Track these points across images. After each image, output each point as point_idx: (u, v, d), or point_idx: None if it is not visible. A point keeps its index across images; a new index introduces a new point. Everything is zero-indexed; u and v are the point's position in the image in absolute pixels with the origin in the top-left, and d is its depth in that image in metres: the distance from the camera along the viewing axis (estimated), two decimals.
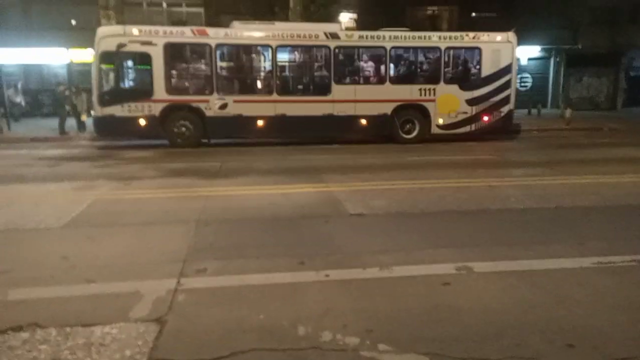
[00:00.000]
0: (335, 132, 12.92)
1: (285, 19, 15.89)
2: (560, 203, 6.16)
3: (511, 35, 13.11)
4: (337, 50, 12.52)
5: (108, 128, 11.93)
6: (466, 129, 13.17)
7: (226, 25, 12.98)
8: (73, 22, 20.39)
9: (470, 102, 13.06)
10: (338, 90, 12.54)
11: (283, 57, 12.83)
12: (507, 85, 13.12)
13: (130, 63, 12.21)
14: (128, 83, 12.38)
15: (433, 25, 22.56)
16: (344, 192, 6.85)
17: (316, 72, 13.03)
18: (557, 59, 24.76)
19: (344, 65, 13.01)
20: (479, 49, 13.00)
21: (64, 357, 2.61)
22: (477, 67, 13.13)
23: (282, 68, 12.90)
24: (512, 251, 4.33)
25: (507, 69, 13.06)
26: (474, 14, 24.19)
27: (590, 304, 3.29)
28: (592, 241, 4.62)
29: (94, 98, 11.84)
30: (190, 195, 6.72)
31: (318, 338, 2.82)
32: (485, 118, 13.17)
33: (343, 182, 7.61)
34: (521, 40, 23.54)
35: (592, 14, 23.44)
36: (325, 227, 5.17)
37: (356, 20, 22.82)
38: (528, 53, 24.50)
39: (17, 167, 9.12)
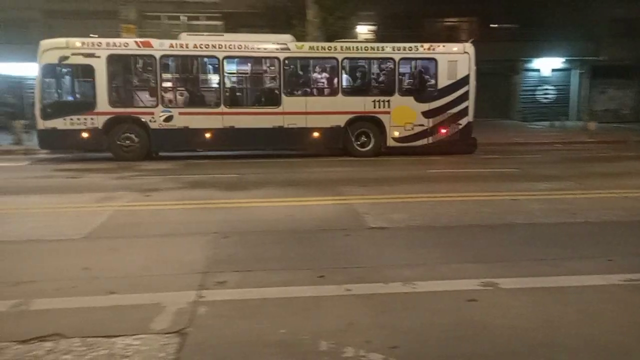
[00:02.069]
0: (286, 144, 12.81)
1: (303, 31, 16.01)
2: (587, 217, 6.01)
3: (468, 46, 12.86)
4: (286, 62, 12.39)
5: (50, 141, 11.90)
6: (423, 141, 12.82)
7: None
8: (94, 35, 20.85)
9: (427, 114, 12.72)
10: (288, 102, 12.36)
11: (231, 68, 12.78)
12: (465, 96, 12.75)
13: (72, 75, 12.13)
14: (70, 96, 12.33)
15: (452, 37, 22.50)
16: (363, 204, 6.79)
17: (265, 83, 12.98)
18: (581, 71, 24.45)
19: (294, 76, 12.94)
20: (434, 60, 12.69)
21: None
22: (433, 78, 12.81)
23: (230, 80, 12.81)
24: (539, 267, 4.22)
25: (464, 80, 12.69)
26: (493, 26, 24.08)
27: (621, 322, 3.17)
28: (621, 257, 4.48)
29: (36, 111, 11.75)
30: (209, 207, 6.74)
31: (341, 354, 2.76)
32: (443, 130, 12.80)
33: (362, 195, 7.56)
34: (543, 52, 23.49)
35: (615, 25, 23.16)
36: (345, 240, 5.12)
37: (375, 32, 22.92)
38: (551, 64, 24.26)
39: (37, 179, 9.27)
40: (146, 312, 3.30)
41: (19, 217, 6.03)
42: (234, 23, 23.55)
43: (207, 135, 12.19)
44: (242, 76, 13.06)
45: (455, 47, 12.97)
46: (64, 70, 11.82)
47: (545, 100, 24.56)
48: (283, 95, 12.34)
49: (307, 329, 3.05)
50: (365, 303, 3.46)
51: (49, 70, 11.67)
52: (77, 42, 11.64)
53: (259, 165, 11.27)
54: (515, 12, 22.88)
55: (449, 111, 12.72)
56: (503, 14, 23.36)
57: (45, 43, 11.70)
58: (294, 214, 6.29)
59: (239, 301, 3.50)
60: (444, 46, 12.90)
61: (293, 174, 9.97)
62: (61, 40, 11.73)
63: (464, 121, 12.86)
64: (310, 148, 13.06)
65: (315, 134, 12.49)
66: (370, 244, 5.01)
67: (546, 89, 24.50)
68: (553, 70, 24.29)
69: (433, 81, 12.79)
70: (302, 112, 12.38)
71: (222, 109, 12.18)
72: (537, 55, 23.77)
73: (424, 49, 12.68)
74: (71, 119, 11.61)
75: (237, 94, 12.80)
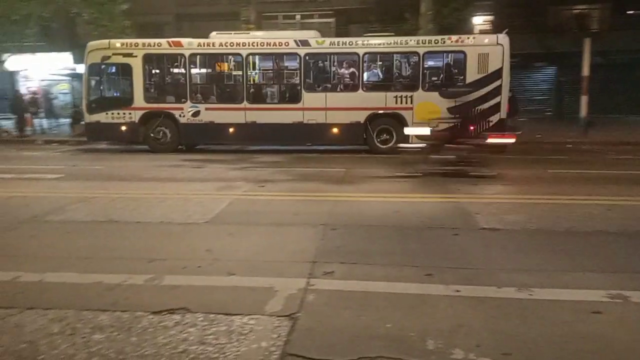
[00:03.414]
0: (306, 139, 12.92)
1: (416, 25, 15.69)
2: None
3: (501, 38, 11.90)
4: (307, 58, 12.45)
5: (95, 133, 13.25)
6: None
7: (354, 34, 13.24)
8: None
9: (453, 110, 11.56)
10: (308, 98, 12.45)
11: (253, 65, 13.14)
12: (497, 91, 11.86)
13: (113, 74, 13.28)
14: (111, 92, 13.43)
15: (580, 25, 20.51)
16: (474, 203, 6.53)
17: (286, 80, 13.08)
18: None
19: (315, 72, 12.93)
20: (463, 52, 12.03)
21: (209, 341, 2.86)
22: (461, 72, 12.10)
23: (252, 76, 13.15)
24: None
25: (496, 74, 11.83)
26: (629, 12, 21.53)
27: None
28: None
29: (83, 106, 13.25)
30: (318, 199, 6.95)
31: (449, 355, 2.70)
32: (471, 128, 11.59)
33: (473, 193, 7.27)
34: None
35: None
36: (454, 239, 4.97)
37: (492, 23, 21.71)
38: None
39: (169, 168, 10.27)
40: (261, 294, 3.53)
41: (154, 202, 6.76)
42: (346, 20, 23.84)
43: (231, 130, 12.75)
44: (264, 73, 13.55)
45: (487, 38, 12.30)
46: (106, 69, 13.12)
47: None
48: (303, 91, 12.51)
49: (414, 326, 3.03)
50: (476, 306, 3.34)
51: (94, 69, 13.04)
52: (117, 43, 12.93)
53: (364, 161, 11.34)
54: None
55: (478, 107, 11.76)
56: None
57: (91, 44, 13.05)
58: (401, 210, 6.25)
59: (346, 292, 3.58)
60: (474, 38, 12.39)
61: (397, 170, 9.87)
62: (104, 42, 13.06)
63: (494, 118, 11.97)
64: (330, 143, 13.08)
65: (335, 130, 12.46)
66: (481, 245, 4.81)
67: None
68: None
69: (461, 76, 12.15)
70: (321, 107, 12.43)
71: (245, 104, 12.67)
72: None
73: (452, 42, 12.14)
74: (112, 114, 12.87)
75: (259, 90, 13.22)
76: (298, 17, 24.48)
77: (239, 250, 4.61)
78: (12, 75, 22.34)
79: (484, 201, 6.70)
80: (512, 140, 10.45)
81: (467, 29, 16.30)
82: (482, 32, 14.28)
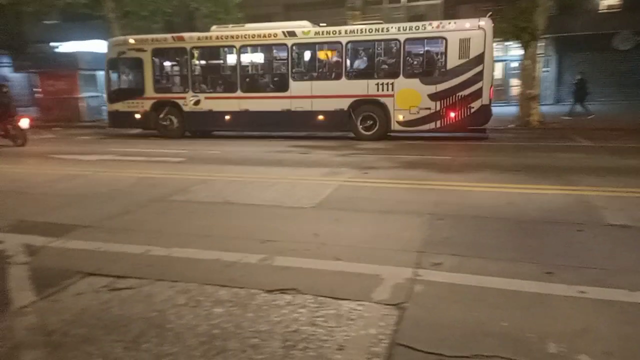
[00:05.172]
0: (294, 126, 13.38)
1: (534, 2, 14.51)
2: None
3: (483, 22, 11.55)
4: (294, 48, 12.99)
5: (115, 121, 14.90)
6: (430, 125, 12.16)
7: (464, 15, 12.75)
8: (323, 24, 22.75)
9: (433, 97, 11.91)
10: (295, 87, 13.02)
11: (246, 56, 13.89)
12: (478, 77, 11.63)
13: (128, 67, 14.62)
14: (127, 84, 14.79)
15: None
16: (601, 197, 5.92)
17: (276, 69, 13.71)
18: None
19: (301, 62, 13.48)
20: (443, 38, 11.83)
21: (319, 323, 2.94)
22: (442, 58, 11.95)
23: (245, 67, 13.91)
24: None
25: (478, 60, 11.57)
26: None
27: None
28: None
29: (105, 96, 14.98)
30: (423, 187, 6.78)
31: None
32: (452, 114, 11.86)
33: (596, 186, 6.59)
34: None
35: None
36: (577, 236, 4.56)
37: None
38: None
39: (277, 154, 10.70)
40: (367, 281, 3.54)
41: (265, 185, 7.09)
42: (454, 1, 22.79)
43: (227, 117, 13.69)
44: (255, 63, 14.27)
45: (468, 23, 11.81)
46: (123, 63, 14.53)
47: None
48: (291, 80, 13.08)
49: (532, 327, 2.84)
50: (604, 310, 3.04)
51: (112, 63, 14.61)
52: (131, 39, 14.33)
53: (472, 149, 10.82)
54: None
55: (458, 93, 11.79)
56: None
57: (111, 41, 14.75)
58: (515, 201, 5.87)
59: (456, 285, 3.47)
60: (455, 23, 11.93)
61: (510, 158, 9.28)
62: (121, 38, 14.70)
63: (476, 104, 11.77)
64: (317, 130, 13.49)
65: (321, 117, 12.91)
66: (609, 243, 4.35)
67: None
68: None
69: (442, 62, 12.02)
70: (307, 96, 12.92)
71: (239, 93, 13.55)
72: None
73: (432, 28, 11.98)
74: (128, 103, 14.44)
75: (252, 79, 13.98)
76: (404, 1, 23.91)
77: (344, 236, 4.67)
78: None
79: (611, 195, 6.04)
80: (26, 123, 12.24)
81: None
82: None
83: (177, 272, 3.80)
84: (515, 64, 22.23)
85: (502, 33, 15.37)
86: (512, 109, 18.22)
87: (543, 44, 18.43)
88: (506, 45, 21.91)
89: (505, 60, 23.85)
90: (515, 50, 20.67)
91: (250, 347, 2.69)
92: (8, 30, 26.01)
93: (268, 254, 4.14)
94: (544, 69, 22.38)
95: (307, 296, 3.31)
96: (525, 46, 14.98)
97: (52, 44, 26.83)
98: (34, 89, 22.91)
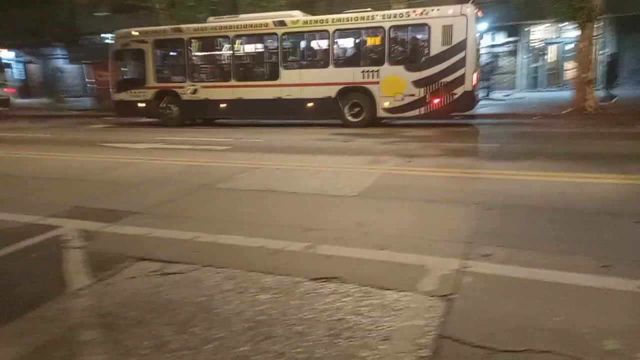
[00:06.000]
0: (285, 114, 13.78)
1: None
2: None
3: (466, 8, 11.48)
4: (284, 37, 13.30)
5: (120, 110, 15.66)
6: (414, 112, 12.21)
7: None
8: (368, 9, 22.34)
9: (418, 83, 12.02)
10: (285, 75, 13.36)
11: (239, 46, 14.23)
12: (460, 63, 11.60)
13: (131, 58, 15.27)
14: (130, 74, 15.48)
15: None
16: None
17: (267, 58, 14.00)
18: None
19: (291, 50, 13.71)
20: (427, 25, 11.85)
21: (364, 312, 2.92)
22: (425, 45, 11.99)
23: (238, 56, 14.30)
24: None
25: (460, 46, 11.55)
26: None
27: None
28: None
29: (110, 87, 15.51)
30: (470, 176, 6.61)
31: (634, 359, 2.37)
32: (436, 100, 11.90)
33: None
34: None
35: None
36: (635, 228, 4.31)
37: None
38: None
39: (319, 142, 10.69)
40: (412, 271, 3.49)
41: (308, 173, 7.11)
42: None
43: (222, 105, 14.20)
44: (248, 52, 14.60)
45: (451, 9, 11.70)
46: (127, 54, 15.23)
47: None
48: (281, 69, 13.43)
49: (588, 322, 2.71)
50: None
51: (117, 55, 15.35)
52: (134, 31, 14.92)
53: (522, 136, 10.42)
54: None
55: (442, 80, 11.83)
56: None
57: (117, 33, 15.29)
58: (567, 191, 5.61)
59: (506, 278, 3.35)
60: (438, 9, 11.78)
61: (563, 146, 8.88)
62: (124, 31, 15.16)
63: (459, 90, 11.74)
64: (307, 117, 13.69)
65: (309, 104, 13.13)
66: None
67: None
68: None
69: (425, 49, 12.04)
70: (297, 84, 13.22)
71: (233, 82, 14.05)
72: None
73: (416, 15, 12.01)
74: (132, 92, 15.10)
75: (244, 68, 14.41)
76: None
77: (388, 225, 4.61)
78: None
79: None
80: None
81: None
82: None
83: (223, 259, 3.87)
84: (570, 46, 21.14)
85: (556, 13, 14.64)
86: (566, 94, 17.40)
87: (601, 24, 17.36)
88: (560, 27, 20.85)
89: (559, 43, 22.72)
90: (570, 32, 19.62)
91: (295, 334, 2.71)
92: (62, 23, 27.20)
93: (312, 242, 4.15)
94: (602, 52, 21.14)
95: (351, 285, 3.29)
96: (581, 27, 14.21)
97: (102, 35, 27.81)
98: (87, 80, 23.91)
